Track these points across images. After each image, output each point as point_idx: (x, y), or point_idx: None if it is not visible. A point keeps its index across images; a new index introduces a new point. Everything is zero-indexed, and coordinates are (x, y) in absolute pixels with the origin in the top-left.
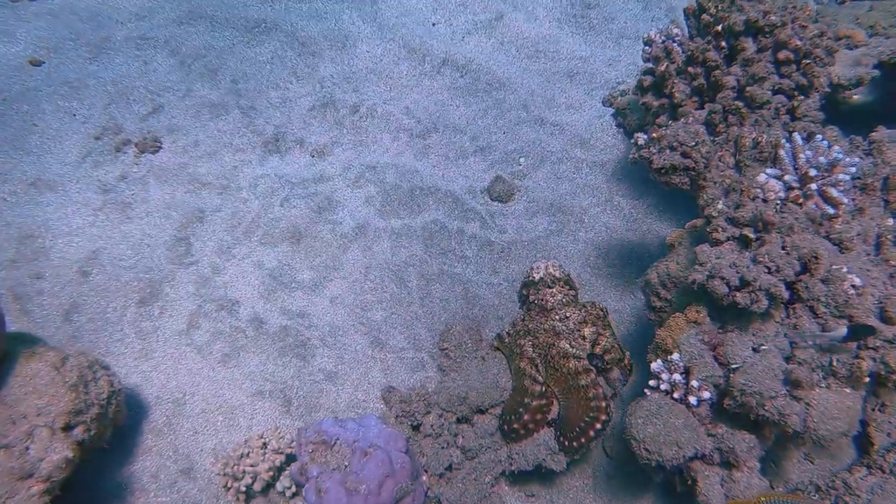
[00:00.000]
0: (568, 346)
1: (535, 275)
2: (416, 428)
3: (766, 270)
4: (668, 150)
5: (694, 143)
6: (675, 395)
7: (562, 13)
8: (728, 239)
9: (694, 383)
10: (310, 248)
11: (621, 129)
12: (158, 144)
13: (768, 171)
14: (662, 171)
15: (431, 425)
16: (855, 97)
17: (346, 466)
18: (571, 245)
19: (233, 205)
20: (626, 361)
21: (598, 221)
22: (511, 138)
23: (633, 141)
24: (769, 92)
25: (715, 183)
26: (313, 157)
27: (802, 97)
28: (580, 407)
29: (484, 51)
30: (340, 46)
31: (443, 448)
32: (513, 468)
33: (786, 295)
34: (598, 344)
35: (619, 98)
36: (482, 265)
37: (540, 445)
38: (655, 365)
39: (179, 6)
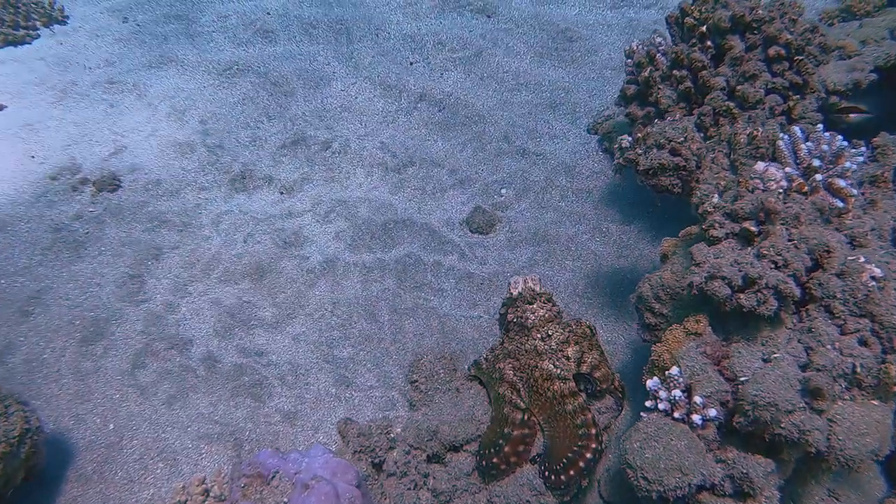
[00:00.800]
0: (552, 366)
1: (513, 290)
2: (377, 466)
3: (773, 266)
4: (654, 150)
5: (683, 139)
6: (676, 415)
7: (543, 48)
8: (727, 236)
9: (697, 400)
10: (273, 284)
11: (608, 155)
12: (117, 183)
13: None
14: (650, 172)
15: (395, 462)
16: (852, 116)
17: (285, 503)
18: (558, 275)
19: (193, 242)
20: (616, 383)
21: (586, 249)
22: (492, 170)
23: (616, 146)
24: (762, 90)
25: (709, 184)
26: (282, 193)
27: (798, 97)
28: (567, 436)
29: (463, 86)
30: (314, 86)
31: (409, 489)
32: None
33: (797, 292)
34: (585, 362)
35: (604, 123)
36: (461, 298)
37: (523, 485)
38: (651, 382)
39: (150, 52)
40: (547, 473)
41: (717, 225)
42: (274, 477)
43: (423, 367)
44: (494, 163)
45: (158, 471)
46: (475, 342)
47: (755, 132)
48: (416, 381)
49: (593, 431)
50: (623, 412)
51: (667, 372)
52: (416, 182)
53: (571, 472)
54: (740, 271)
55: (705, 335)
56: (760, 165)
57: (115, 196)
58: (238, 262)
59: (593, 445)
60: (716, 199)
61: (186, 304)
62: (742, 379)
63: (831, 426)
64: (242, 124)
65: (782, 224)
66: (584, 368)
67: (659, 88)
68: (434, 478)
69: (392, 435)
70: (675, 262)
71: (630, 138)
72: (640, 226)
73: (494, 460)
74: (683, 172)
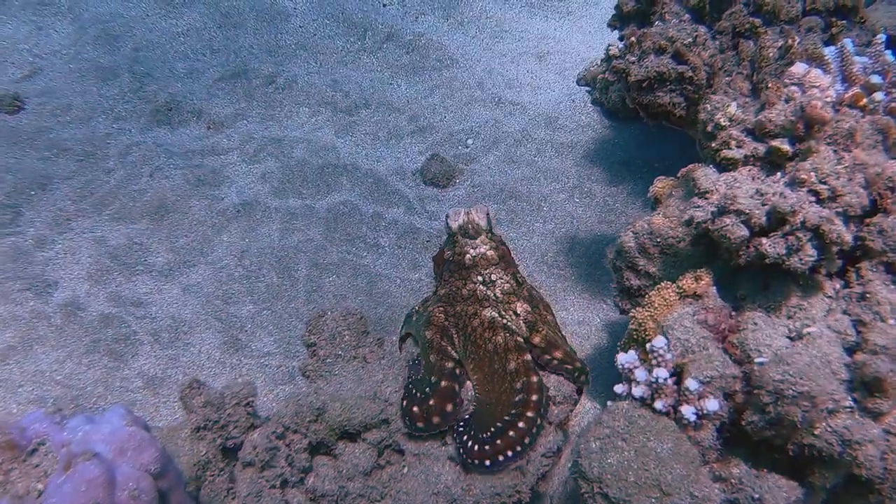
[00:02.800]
0: (496, 314)
1: (452, 223)
2: (229, 451)
3: (814, 198)
4: (652, 55)
5: (691, 40)
6: (658, 405)
7: None
8: (747, 159)
9: (690, 385)
10: (175, 225)
11: (598, 108)
12: (19, 105)
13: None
14: (644, 84)
15: (255, 447)
16: None
17: (39, 490)
18: (524, 238)
19: (91, 173)
20: (576, 363)
21: (561, 211)
22: (459, 118)
23: (604, 56)
24: (799, 6)
25: (724, 95)
26: (209, 129)
27: (844, 23)
28: (502, 402)
29: (438, 29)
30: (269, 19)
31: (273, 487)
32: None
33: (848, 238)
34: (538, 332)
35: (596, 69)
36: (400, 257)
37: (438, 494)
38: (625, 357)
39: None
40: (470, 444)
41: (733, 142)
42: (37, 450)
43: (323, 326)
44: (463, 111)
45: None
46: (408, 310)
47: (791, 41)
48: (315, 343)
49: (534, 398)
50: (580, 405)
51: (648, 344)
52: (368, 126)
53: (498, 443)
54: (764, 204)
55: (707, 298)
56: (800, 67)
57: (12, 118)
58: (139, 198)
59: (529, 414)
60: (733, 109)
61: (63, 241)
62: (759, 360)
63: (889, 440)
64: (181, 55)
65: (829, 144)
66: (537, 340)
67: (664, 3)
68: (316, 474)
69: (256, 409)
70: (671, 206)
71: (622, 44)
72: (631, 188)
73: (414, 409)
74: (689, 87)
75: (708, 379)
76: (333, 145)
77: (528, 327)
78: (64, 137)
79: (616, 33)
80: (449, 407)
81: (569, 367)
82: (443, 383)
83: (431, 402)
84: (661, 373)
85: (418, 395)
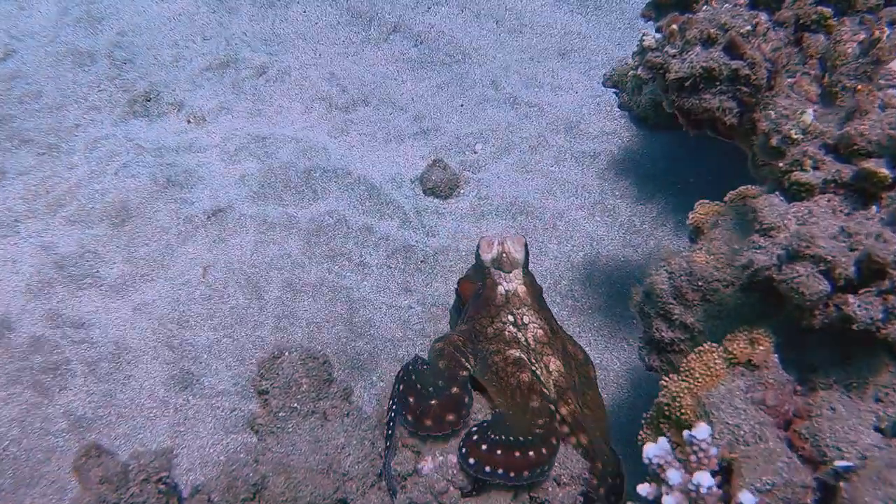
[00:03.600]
0: (524, 356)
1: (484, 255)
2: None
3: None
4: (698, 47)
5: (751, 28)
6: None
7: None
8: (827, 185)
9: (746, 500)
10: (136, 232)
11: (626, 113)
12: None
13: None
14: (687, 84)
15: None
16: None
17: None
18: (535, 262)
19: (50, 168)
20: (602, 465)
21: (579, 230)
22: (469, 120)
23: (637, 48)
24: None
25: (792, 99)
26: (189, 122)
27: None
28: (518, 426)
29: (452, 22)
30: (267, 5)
31: None
32: None
33: None
34: (567, 403)
35: (625, 67)
36: (389, 278)
37: None
38: (654, 449)
39: None
40: (475, 429)
41: (808, 162)
42: None
43: (279, 370)
44: (474, 112)
45: None
46: (396, 343)
47: (877, 32)
48: (267, 391)
49: (553, 440)
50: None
51: (686, 432)
52: (366, 126)
53: (498, 453)
54: (853, 249)
55: (766, 368)
56: None
57: None
58: (100, 199)
59: (544, 450)
60: (809, 118)
61: (5, 247)
62: (841, 465)
63: None
64: (169, 42)
65: None
66: (565, 413)
67: None
68: None
69: (171, 480)
70: (717, 239)
71: (658, 35)
72: (661, 206)
73: (411, 399)
74: (745, 89)
75: (767, 487)
76: (325, 146)
77: (556, 391)
78: (28, 127)
79: (651, 25)
80: (451, 416)
81: (588, 464)
82: (454, 390)
83: (433, 403)
84: (704, 479)
85: (420, 388)
